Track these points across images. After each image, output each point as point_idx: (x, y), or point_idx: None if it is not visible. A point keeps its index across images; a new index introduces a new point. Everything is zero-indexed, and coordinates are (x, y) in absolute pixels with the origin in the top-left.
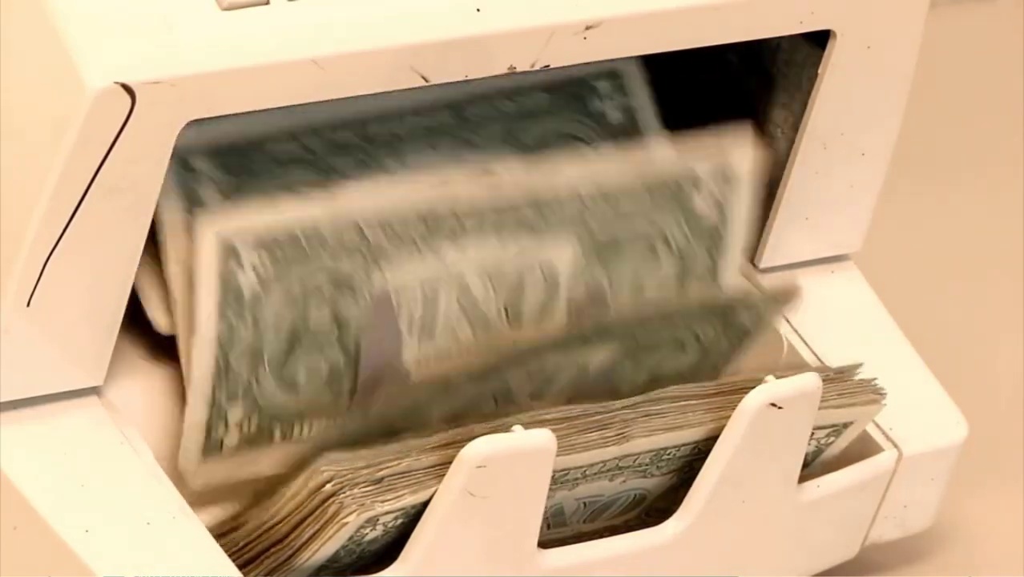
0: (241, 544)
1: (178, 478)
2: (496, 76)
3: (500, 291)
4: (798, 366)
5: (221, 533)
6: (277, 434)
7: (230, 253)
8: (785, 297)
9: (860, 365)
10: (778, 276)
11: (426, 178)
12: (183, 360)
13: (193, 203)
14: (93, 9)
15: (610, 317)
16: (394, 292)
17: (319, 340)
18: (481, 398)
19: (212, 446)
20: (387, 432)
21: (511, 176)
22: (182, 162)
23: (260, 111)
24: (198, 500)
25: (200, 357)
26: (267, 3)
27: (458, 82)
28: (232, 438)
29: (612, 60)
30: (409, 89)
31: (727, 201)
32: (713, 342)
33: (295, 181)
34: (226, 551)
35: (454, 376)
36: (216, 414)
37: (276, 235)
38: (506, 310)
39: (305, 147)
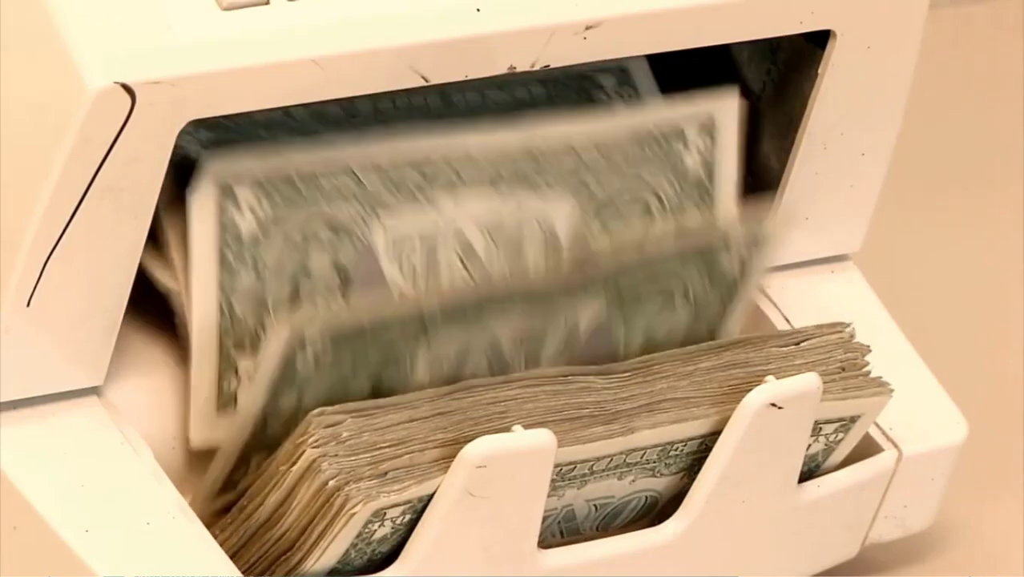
0: (253, 560)
1: (179, 468)
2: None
3: (500, 245)
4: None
5: (224, 540)
6: None
7: (226, 194)
8: (762, 235)
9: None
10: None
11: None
12: (186, 317)
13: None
14: (93, 9)
15: (591, 268)
16: (392, 244)
17: (321, 288)
18: (468, 349)
19: (226, 399)
20: (370, 369)
21: (508, 130)
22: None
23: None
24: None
25: (203, 304)
26: (267, 3)
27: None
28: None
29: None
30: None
31: (713, 156)
32: (701, 294)
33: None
34: (238, 566)
35: (428, 310)
36: (226, 364)
37: (272, 177)
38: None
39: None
